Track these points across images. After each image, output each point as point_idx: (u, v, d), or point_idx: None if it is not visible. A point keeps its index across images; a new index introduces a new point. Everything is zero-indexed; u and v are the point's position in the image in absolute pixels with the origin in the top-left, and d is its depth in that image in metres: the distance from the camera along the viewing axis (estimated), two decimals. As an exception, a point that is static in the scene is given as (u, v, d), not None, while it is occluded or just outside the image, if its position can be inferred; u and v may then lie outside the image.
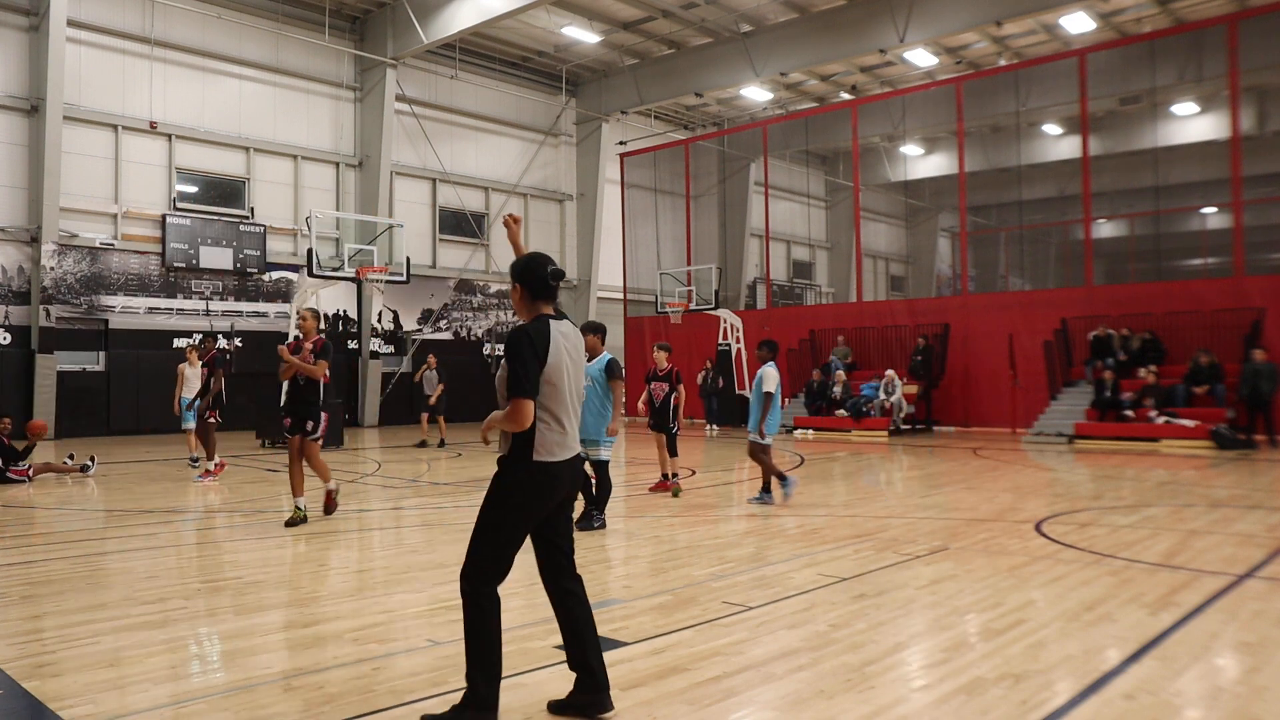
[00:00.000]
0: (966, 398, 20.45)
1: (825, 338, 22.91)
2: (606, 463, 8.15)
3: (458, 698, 3.55)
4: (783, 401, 21.05)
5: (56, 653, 4.44)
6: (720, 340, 23.51)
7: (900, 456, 15.03)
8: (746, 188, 31.53)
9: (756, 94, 28.55)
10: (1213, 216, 34.07)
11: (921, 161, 34.44)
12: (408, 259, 21.05)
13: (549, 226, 28.26)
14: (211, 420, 11.98)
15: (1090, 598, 5.35)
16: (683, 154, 28.00)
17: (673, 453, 10.30)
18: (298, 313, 8.41)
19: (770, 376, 9.16)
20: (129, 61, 20.00)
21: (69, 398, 18.90)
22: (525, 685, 3.89)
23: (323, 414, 8.21)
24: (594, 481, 8.04)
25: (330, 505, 8.48)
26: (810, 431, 19.97)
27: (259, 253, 21.56)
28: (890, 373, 19.55)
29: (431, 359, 17.73)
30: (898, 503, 9.72)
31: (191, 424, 12.81)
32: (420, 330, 24.96)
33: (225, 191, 21.65)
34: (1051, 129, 31.12)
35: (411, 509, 9.53)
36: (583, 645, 3.58)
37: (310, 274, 18.52)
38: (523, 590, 5.41)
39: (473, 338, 26.26)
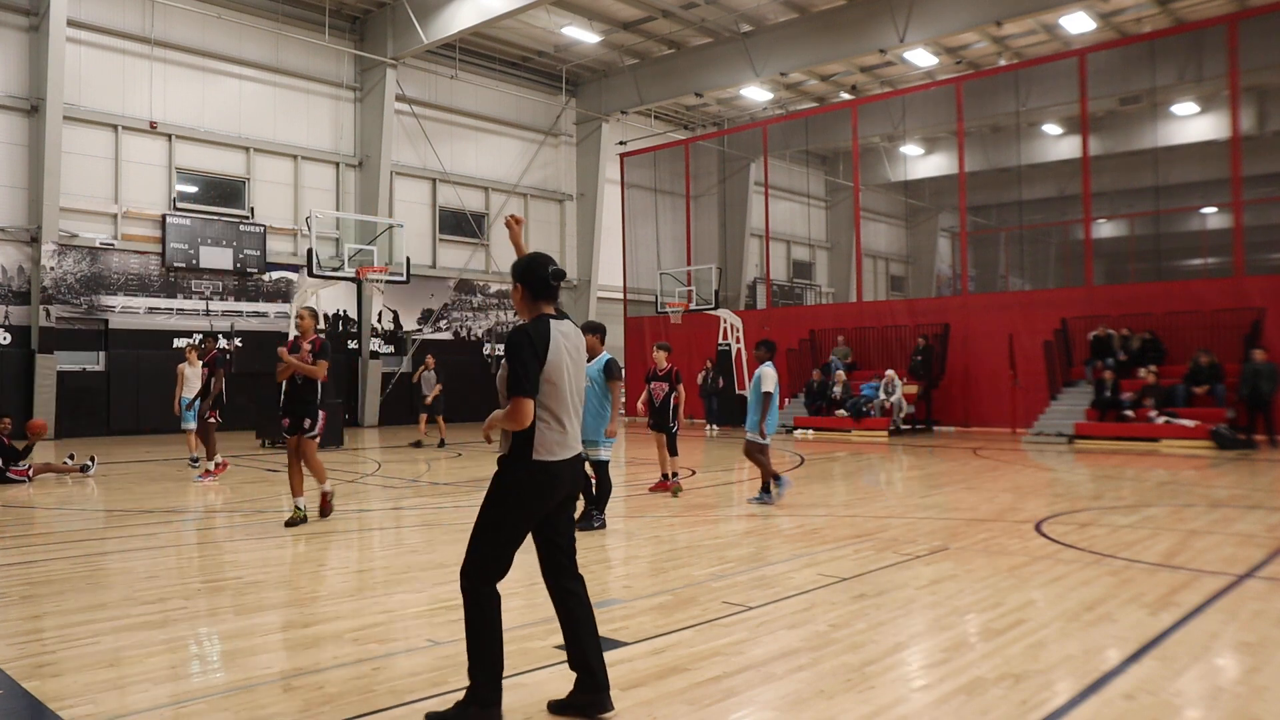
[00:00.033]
0: (966, 398, 20.45)
1: (825, 338, 22.91)
2: (606, 463, 8.15)
3: (458, 698, 3.57)
4: (781, 401, 21.17)
5: (56, 653, 4.44)
6: (720, 340, 23.51)
7: (900, 456, 15.03)
8: (746, 188, 31.53)
9: (756, 94, 28.55)
10: (1213, 216, 34.07)
11: (921, 161, 34.44)
12: (408, 259, 21.04)
13: (549, 226, 28.26)
14: (212, 420, 11.98)
15: (1090, 598, 5.35)
16: (683, 154, 28.00)
17: (673, 452, 10.30)
18: (296, 312, 8.40)
19: (769, 376, 9.17)
20: (129, 61, 20.00)
21: (69, 398, 18.90)
22: (525, 685, 3.89)
23: (320, 412, 8.20)
24: (594, 482, 8.04)
25: (326, 508, 8.44)
26: (810, 431, 19.98)
27: (259, 253, 21.56)
28: (890, 373, 19.55)
29: (430, 359, 17.74)
30: (898, 503, 9.72)
31: (191, 424, 12.81)
32: (420, 330, 24.96)
33: (225, 191, 21.65)
34: (1051, 129, 31.12)
35: (411, 509, 9.53)
36: (583, 645, 3.59)
37: (310, 274, 18.52)
38: (523, 590, 5.42)
39: (473, 338, 26.26)
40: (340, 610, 5.24)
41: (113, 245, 19.60)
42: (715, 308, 24.64)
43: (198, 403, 12.40)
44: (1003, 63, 25.48)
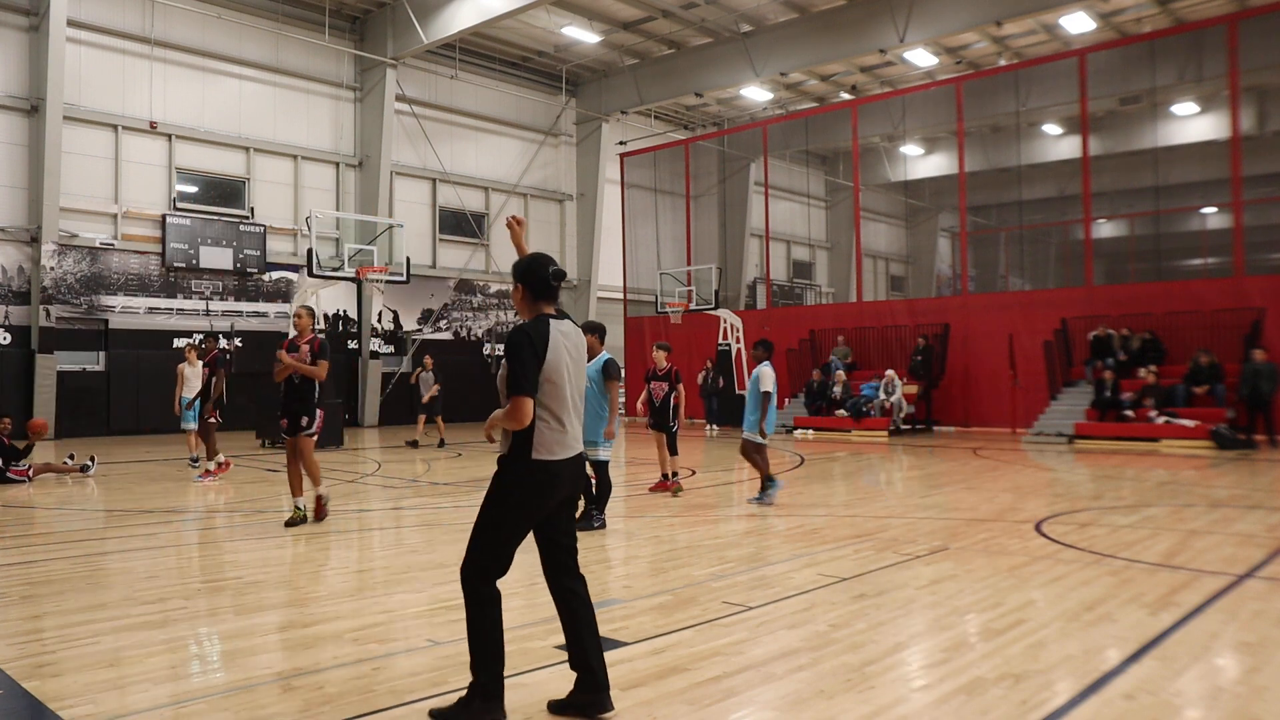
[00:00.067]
0: (966, 398, 20.45)
1: (825, 338, 22.90)
2: (606, 463, 8.15)
3: (458, 697, 3.59)
4: (781, 401, 21.17)
5: (56, 653, 4.44)
6: (720, 340, 23.51)
7: (900, 456, 15.03)
8: (746, 188, 31.53)
9: (756, 94, 28.55)
10: (1213, 216, 34.06)
11: (921, 161, 34.44)
12: (408, 259, 21.06)
13: (549, 226, 28.26)
14: (212, 420, 11.98)
15: (1090, 598, 5.35)
16: (683, 154, 28.00)
17: (673, 451, 10.30)
18: (294, 311, 8.38)
19: (768, 376, 9.19)
20: (129, 61, 20.00)
21: (69, 398, 18.90)
22: (525, 685, 3.89)
23: (318, 411, 8.19)
24: (593, 482, 8.04)
25: (320, 512, 8.26)
26: (810, 431, 19.98)
27: (259, 253, 21.56)
28: (890, 373, 19.55)
29: (428, 360, 17.74)
30: (898, 503, 9.72)
31: (191, 424, 12.81)
32: (420, 330, 24.96)
33: (225, 191, 21.65)
34: (1051, 129, 31.11)
35: (411, 509, 9.53)
36: (583, 645, 3.60)
37: (310, 274, 18.54)
38: (523, 590, 5.42)
39: (473, 338, 26.26)
40: (340, 610, 5.24)
41: (113, 245, 19.60)
42: (715, 308, 24.64)
43: (198, 403, 12.41)
44: (1003, 63, 25.48)
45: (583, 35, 24.23)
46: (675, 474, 10.31)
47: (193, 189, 21.10)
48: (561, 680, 3.80)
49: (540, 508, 3.61)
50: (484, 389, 24.32)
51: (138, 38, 20.04)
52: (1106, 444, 16.03)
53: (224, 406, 12.39)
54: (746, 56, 23.98)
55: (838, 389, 20.30)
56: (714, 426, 21.75)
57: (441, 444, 17.03)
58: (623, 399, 24.65)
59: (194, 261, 20.56)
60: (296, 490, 8.19)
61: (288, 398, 8.11)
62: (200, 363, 12.69)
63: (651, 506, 9.38)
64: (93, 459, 12.66)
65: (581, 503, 7.83)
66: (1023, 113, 26.64)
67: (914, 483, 11.59)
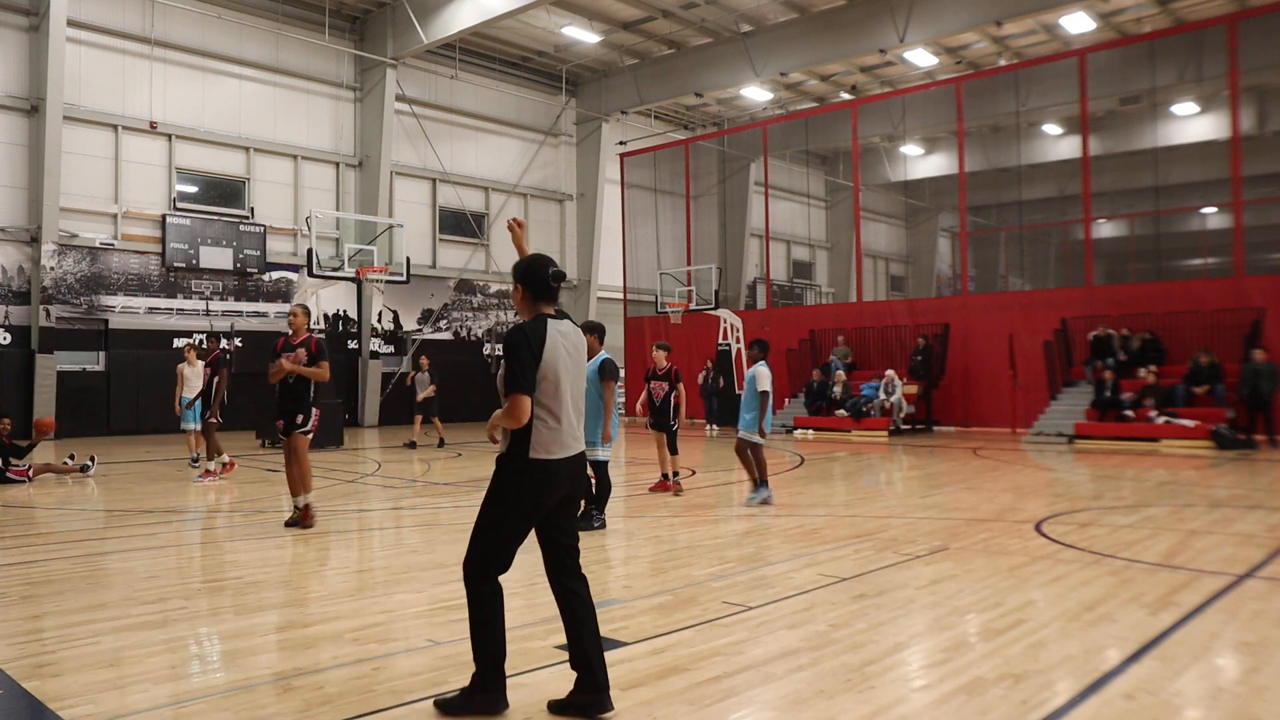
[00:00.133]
0: (966, 398, 20.45)
1: (825, 338, 22.90)
2: (605, 463, 8.14)
3: (461, 688, 3.67)
4: (780, 401, 21.17)
5: (56, 653, 4.44)
6: (720, 340, 23.51)
7: (900, 456, 15.03)
8: (746, 188, 31.53)
9: (756, 94, 28.55)
10: (1213, 216, 34.06)
11: (921, 161, 34.44)
12: (408, 259, 21.06)
13: (549, 226, 28.26)
14: (213, 420, 11.98)
15: (1090, 598, 5.35)
16: (683, 154, 27.99)
17: (673, 450, 10.30)
18: (290, 310, 8.36)
19: (765, 375, 9.21)
20: (129, 61, 20.00)
21: (69, 398, 18.90)
22: (525, 685, 3.89)
23: (314, 409, 8.18)
24: (593, 481, 8.03)
25: (307, 520, 8.00)
26: (810, 431, 19.98)
27: (259, 253, 21.56)
28: (890, 373, 19.55)
29: (424, 360, 17.73)
30: (898, 503, 9.72)
31: (191, 424, 12.82)
32: (420, 330, 24.96)
33: (225, 191, 21.65)
34: (1051, 129, 31.11)
35: (411, 509, 9.53)
36: (584, 645, 3.61)
37: (310, 274, 18.53)
38: (523, 590, 5.42)
39: (473, 338, 26.27)
40: (340, 610, 5.24)
41: (113, 245, 19.60)
42: (715, 308, 24.64)
43: (198, 403, 12.41)
44: (1003, 63, 25.48)
45: (583, 35, 24.23)
46: (676, 474, 10.31)
47: (193, 189, 21.10)
48: (561, 680, 3.80)
49: (539, 507, 3.62)
50: (484, 389, 24.33)
51: (138, 38, 20.04)
52: (1106, 444, 16.03)
53: (224, 406, 12.40)
54: (746, 56, 23.98)
55: (838, 389, 20.31)
56: (714, 426, 21.75)
57: (441, 444, 17.03)
58: (622, 399, 24.80)
59: (194, 261, 20.56)
60: (296, 490, 8.19)
61: (283, 398, 8.10)
62: (200, 363, 12.70)
63: (651, 506, 9.38)
64: (93, 459, 12.67)
65: (581, 503, 7.82)
66: (1023, 113, 26.63)
67: (914, 483, 11.59)
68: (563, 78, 27.49)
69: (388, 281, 21.10)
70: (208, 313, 21.02)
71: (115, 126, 19.74)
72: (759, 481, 9.37)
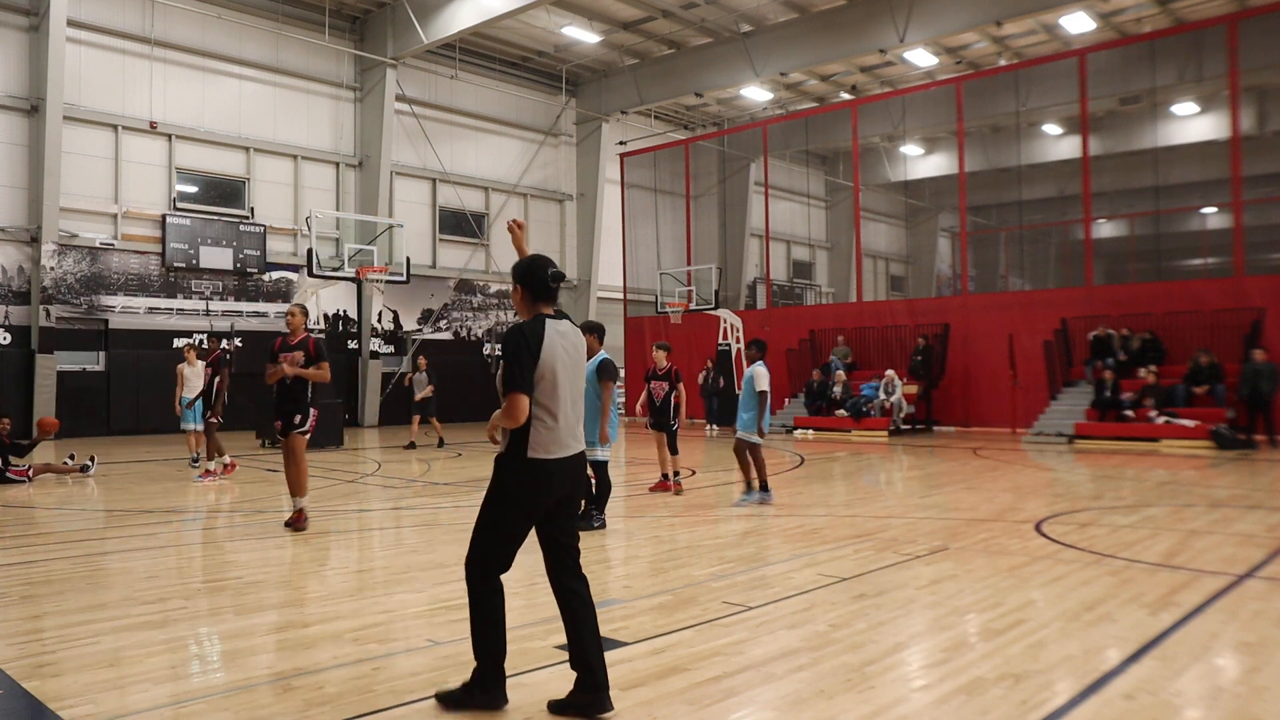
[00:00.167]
0: (966, 398, 20.45)
1: (825, 338, 22.90)
2: (605, 463, 8.14)
3: (462, 682, 3.71)
4: (780, 401, 21.17)
5: (56, 653, 4.44)
6: (720, 340, 23.51)
7: (900, 456, 15.03)
8: (746, 188, 31.53)
9: (756, 94, 28.55)
10: (1213, 216, 34.06)
11: (921, 161, 34.44)
12: (408, 259, 21.06)
13: (549, 226, 28.26)
14: (213, 420, 11.98)
15: (1090, 598, 5.35)
16: (683, 154, 28.00)
17: (673, 450, 10.29)
18: (287, 309, 8.35)
19: (763, 375, 9.22)
20: (129, 61, 20.00)
21: (69, 398, 18.90)
22: (525, 685, 3.89)
23: (311, 409, 8.17)
24: (593, 482, 8.03)
25: (299, 522, 7.94)
26: (810, 431, 19.98)
27: (259, 253, 21.56)
28: (890, 373, 19.55)
29: (421, 360, 17.72)
30: (898, 503, 9.72)
31: (191, 424, 12.82)
32: (420, 330, 24.96)
33: (225, 191, 21.65)
34: (1051, 129, 31.12)
35: (411, 509, 9.53)
36: (584, 645, 3.62)
37: (310, 274, 18.55)
38: (523, 590, 5.42)
39: (473, 338, 26.27)
40: (340, 610, 5.24)
41: (113, 245, 19.60)
42: (715, 308, 24.65)
43: (198, 403, 12.41)
44: (1003, 63, 25.48)
45: (583, 35, 24.23)
46: (677, 474, 10.31)
47: (193, 189, 21.10)
48: (561, 680, 3.80)
49: (538, 506, 3.64)
50: (484, 389, 24.33)
51: (138, 38, 20.05)
52: (1106, 444, 16.03)
53: (225, 406, 12.39)
54: (746, 56, 23.98)
55: (838, 389, 20.31)
56: (714, 426, 21.75)
57: (441, 444, 17.03)
58: (622, 399, 24.80)
59: (194, 261, 20.56)
60: (295, 491, 8.18)
61: (281, 399, 8.10)
62: (200, 363, 12.69)
63: (651, 506, 9.38)
64: (93, 459, 12.67)
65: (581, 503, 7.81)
66: (1023, 113, 26.64)
67: (914, 483, 11.59)
68: (563, 78, 27.49)
69: (388, 281, 21.12)
70: (208, 313, 21.03)
71: (115, 126, 19.74)
72: (750, 484, 9.39)
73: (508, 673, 3.73)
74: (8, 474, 11.45)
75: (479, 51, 25.76)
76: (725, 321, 23.52)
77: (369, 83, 23.35)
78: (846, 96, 28.73)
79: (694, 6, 23.10)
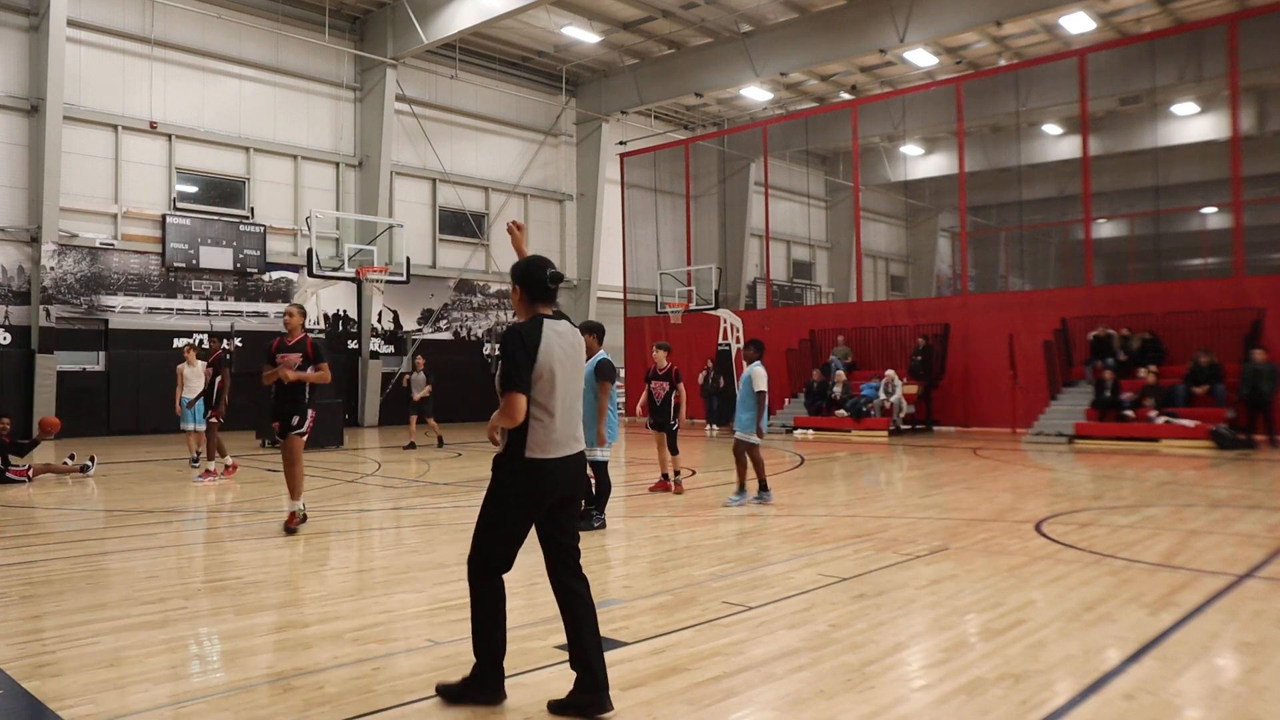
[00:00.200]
0: (966, 398, 20.44)
1: (825, 338, 22.90)
2: (605, 463, 8.14)
3: (462, 676, 3.75)
4: (780, 401, 21.16)
5: (56, 653, 4.44)
6: (720, 340, 23.52)
7: (900, 456, 15.03)
8: (746, 188, 31.53)
9: (756, 94, 28.54)
10: (1213, 216, 34.07)
11: (921, 161, 34.44)
12: (408, 259, 21.06)
13: (549, 226, 28.26)
14: (214, 420, 11.98)
15: (1090, 598, 5.35)
16: (683, 154, 28.00)
17: (673, 450, 10.29)
18: (285, 310, 8.32)
19: (761, 375, 9.23)
20: (129, 61, 20.00)
21: (69, 398, 18.89)
22: (525, 685, 3.89)
23: (309, 411, 8.16)
24: (593, 482, 8.03)
25: (291, 525, 7.90)
26: (810, 431, 19.98)
27: (259, 253, 21.56)
28: (890, 373, 19.55)
29: (420, 360, 17.70)
30: (898, 503, 9.72)
31: (191, 424, 12.81)
32: (420, 330, 24.96)
33: (225, 191, 21.65)
34: (1051, 129, 31.12)
35: (411, 509, 9.53)
36: (584, 645, 3.62)
37: (310, 274, 18.56)
38: (523, 590, 5.42)
39: (473, 338, 26.27)
40: (340, 610, 5.24)
41: (113, 245, 19.60)
42: (715, 308, 24.65)
43: (199, 403, 12.40)
44: (1003, 63, 25.48)
45: (583, 35, 24.23)
46: (676, 474, 10.31)
47: (193, 189, 21.10)
48: (561, 680, 3.80)
49: (537, 506, 3.65)
50: (484, 389, 24.32)
51: (138, 38, 20.04)
52: (1106, 444, 16.02)
53: (227, 406, 12.39)
54: (746, 56, 23.98)
55: (838, 389, 20.30)
56: (714, 426, 21.75)
57: (440, 443, 17.03)
58: (622, 399, 24.80)
59: (194, 261, 20.56)
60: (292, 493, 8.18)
61: (279, 399, 8.08)
62: (200, 363, 12.68)
63: (651, 506, 9.38)
64: (93, 459, 12.67)
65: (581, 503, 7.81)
66: (1023, 113, 26.63)
67: (914, 483, 11.59)
68: (563, 78, 27.49)
69: (388, 281, 21.12)
70: (208, 313, 21.03)
71: (115, 126, 19.74)
72: (743, 485, 9.39)
73: (507, 672, 3.74)
74: (8, 474, 11.46)
75: (479, 51, 25.76)
76: (725, 321, 23.53)
77: (369, 83, 23.35)
78: (846, 96, 28.73)
79: (694, 6, 23.10)
